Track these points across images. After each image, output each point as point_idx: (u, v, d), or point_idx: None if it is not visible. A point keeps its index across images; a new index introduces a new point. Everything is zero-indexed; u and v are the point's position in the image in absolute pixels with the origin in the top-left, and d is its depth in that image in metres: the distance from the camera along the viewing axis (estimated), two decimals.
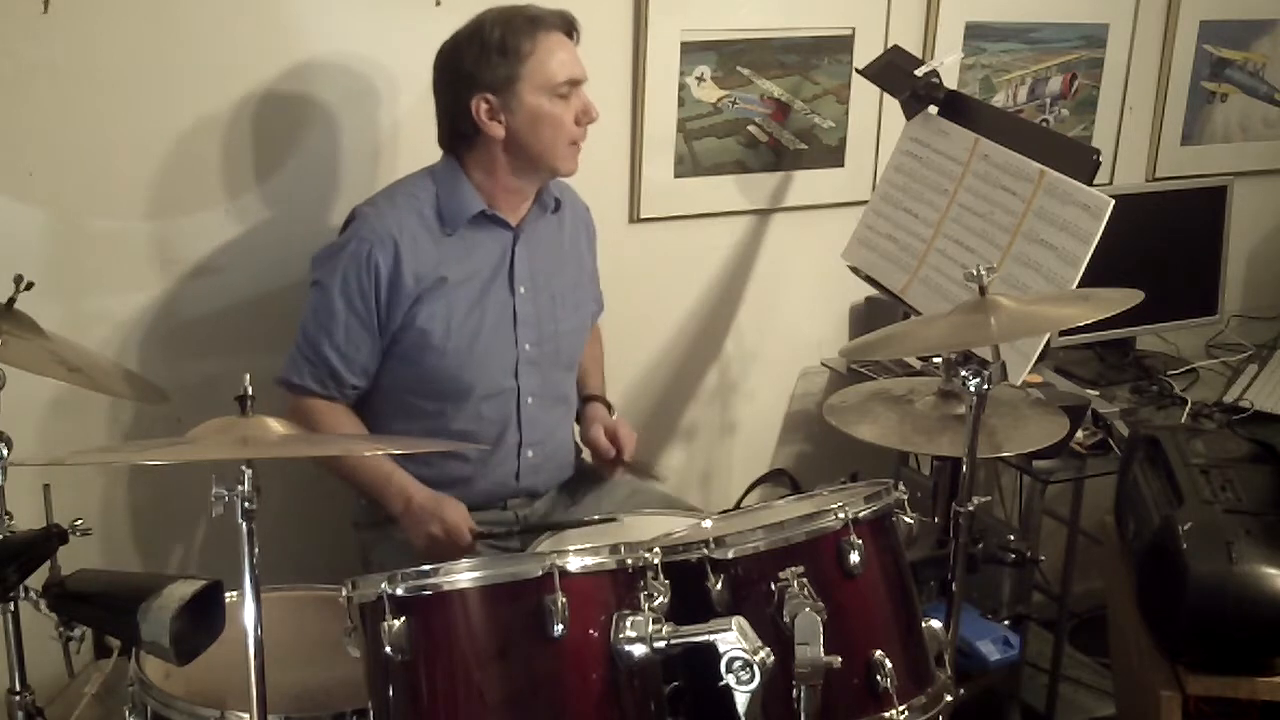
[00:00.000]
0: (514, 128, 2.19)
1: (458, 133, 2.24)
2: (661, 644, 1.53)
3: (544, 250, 2.34)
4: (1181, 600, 2.06)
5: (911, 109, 2.65)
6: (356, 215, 2.27)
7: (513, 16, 2.19)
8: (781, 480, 3.12)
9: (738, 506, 2.96)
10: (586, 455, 2.54)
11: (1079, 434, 2.54)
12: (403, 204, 2.24)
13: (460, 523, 2.18)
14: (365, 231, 2.21)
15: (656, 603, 1.57)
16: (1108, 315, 1.91)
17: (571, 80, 2.20)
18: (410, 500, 2.20)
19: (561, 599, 1.52)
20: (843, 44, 2.91)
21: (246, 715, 1.61)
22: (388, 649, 1.53)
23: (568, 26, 2.22)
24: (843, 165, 3.00)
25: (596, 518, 2.25)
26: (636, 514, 2.27)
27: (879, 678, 1.62)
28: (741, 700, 1.45)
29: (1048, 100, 3.20)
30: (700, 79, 2.78)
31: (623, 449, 2.40)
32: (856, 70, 2.85)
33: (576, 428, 2.51)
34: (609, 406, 2.51)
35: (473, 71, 2.17)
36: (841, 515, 1.66)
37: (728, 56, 2.79)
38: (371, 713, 1.61)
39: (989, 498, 2.19)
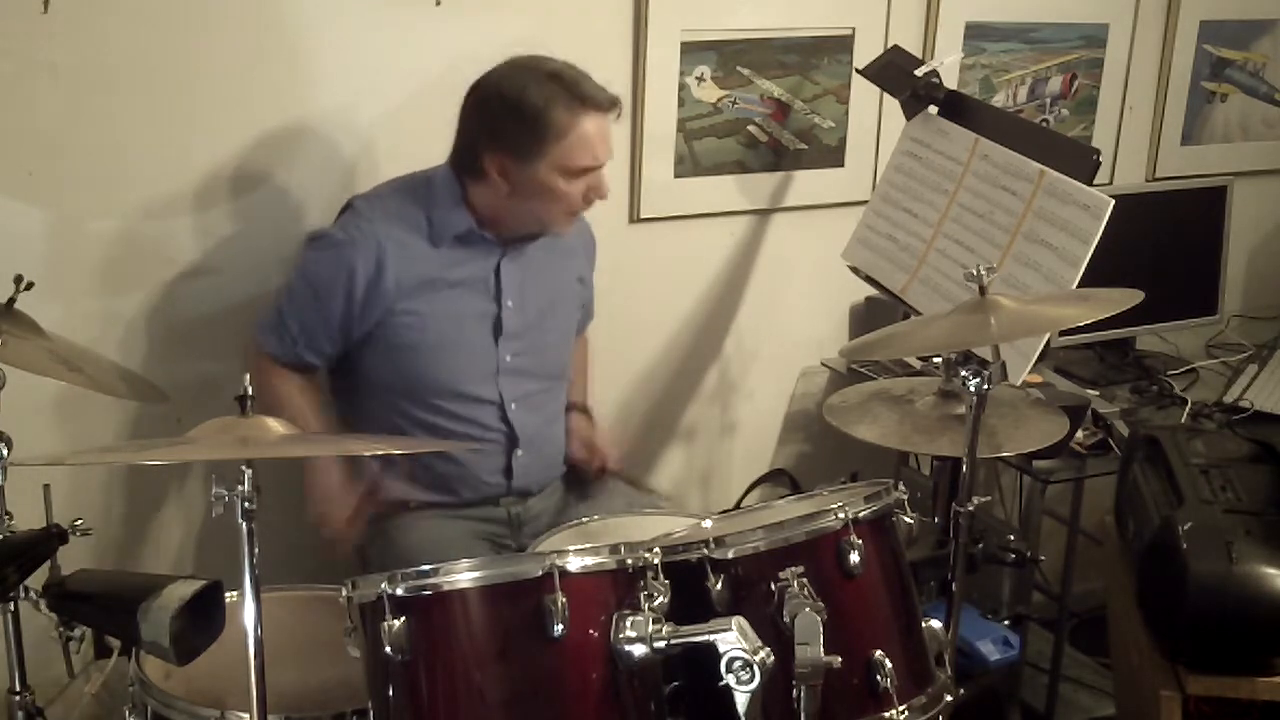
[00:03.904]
0: (520, 191, 2.18)
1: (466, 165, 2.23)
2: (661, 644, 1.53)
3: (534, 264, 2.34)
4: (1181, 600, 2.06)
5: (911, 109, 2.65)
6: (352, 207, 2.28)
7: (561, 88, 2.12)
8: (781, 480, 3.12)
9: (738, 506, 2.96)
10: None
11: (1079, 434, 2.54)
12: (395, 209, 2.25)
13: (335, 512, 2.20)
14: (353, 232, 2.22)
15: (656, 603, 1.57)
16: (1108, 315, 1.91)
17: (592, 166, 2.17)
18: (328, 475, 2.22)
19: (561, 599, 1.52)
20: (843, 44, 2.91)
21: (246, 715, 1.61)
22: (388, 649, 1.53)
23: (611, 105, 2.17)
24: (843, 165, 3.00)
25: (570, 522, 2.25)
26: (614, 516, 2.27)
27: (879, 678, 1.62)
28: (741, 700, 1.45)
29: (1048, 100, 3.20)
30: (700, 79, 2.78)
31: (605, 459, 2.41)
32: (856, 70, 2.85)
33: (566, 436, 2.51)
34: (588, 415, 2.51)
35: (500, 129, 2.14)
36: (841, 515, 1.66)
37: (728, 56, 2.79)
38: (371, 713, 1.61)
39: (989, 498, 2.19)
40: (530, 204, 2.20)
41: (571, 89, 2.13)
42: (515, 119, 2.12)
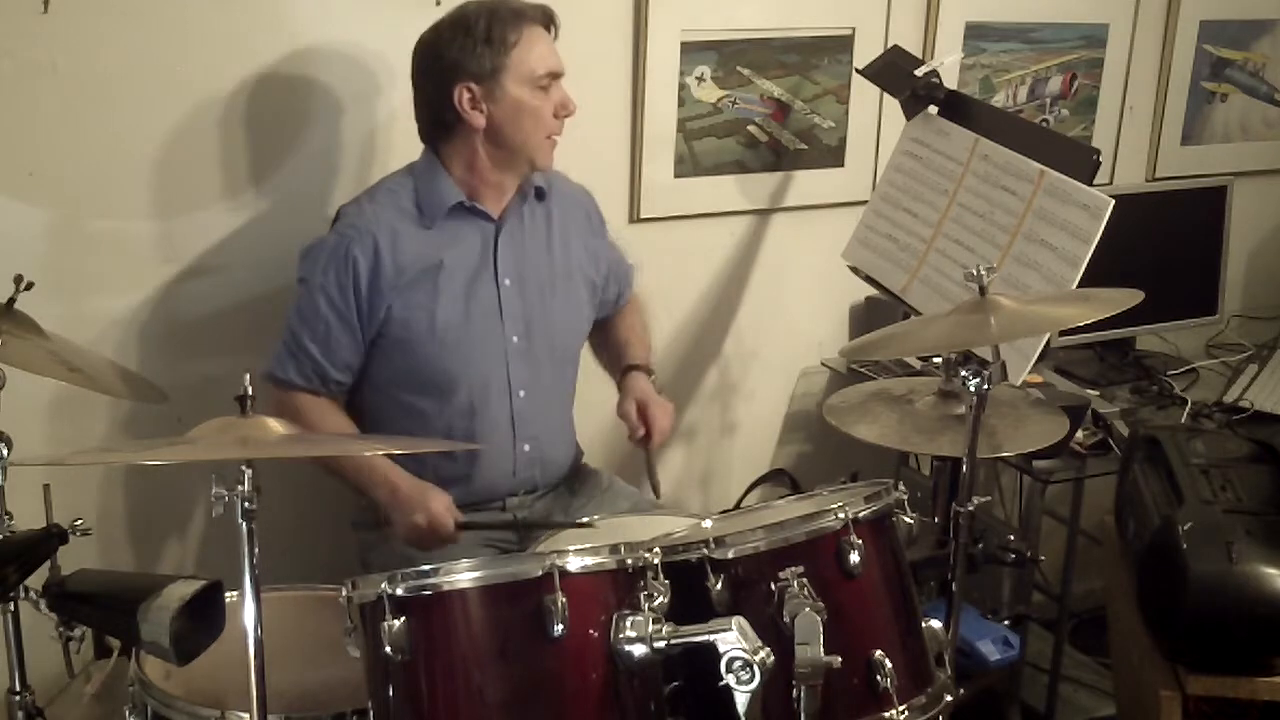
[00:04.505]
0: (495, 118, 2.20)
1: (438, 122, 2.25)
2: (661, 644, 1.53)
3: (530, 242, 2.34)
4: (1181, 600, 2.06)
5: (911, 109, 2.65)
6: (341, 213, 2.30)
7: (496, 8, 2.20)
8: (781, 480, 3.12)
9: (738, 506, 2.96)
10: (587, 458, 2.54)
11: (1079, 434, 2.54)
12: (383, 200, 2.26)
13: (444, 512, 2.17)
14: (345, 228, 2.24)
15: (656, 603, 1.57)
16: (1108, 315, 1.91)
17: (552, 73, 2.22)
18: (396, 489, 2.20)
19: (561, 599, 1.52)
20: (843, 44, 2.91)
21: (246, 715, 1.61)
22: (388, 649, 1.53)
23: (547, 20, 2.24)
24: (843, 165, 3.00)
25: (578, 520, 2.24)
26: (614, 516, 2.27)
27: (879, 678, 1.62)
28: (741, 700, 1.45)
29: (1048, 100, 3.20)
30: (700, 79, 2.78)
31: (652, 429, 2.37)
32: (856, 70, 2.85)
33: (574, 428, 2.51)
34: (650, 375, 2.47)
35: (457, 60, 2.18)
36: (841, 515, 1.65)
37: (728, 56, 2.79)
38: (371, 713, 1.61)
39: (989, 498, 2.19)
40: (508, 132, 2.21)
41: (506, 6, 2.21)
42: (468, 46, 2.17)
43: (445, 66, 2.19)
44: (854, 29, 2.91)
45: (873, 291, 2.79)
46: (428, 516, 2.16)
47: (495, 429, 2.31)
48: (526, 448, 2.35)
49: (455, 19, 2.21)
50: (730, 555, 1.63)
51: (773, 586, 1.60)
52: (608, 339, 2.54)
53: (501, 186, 2.30)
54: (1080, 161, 2.30)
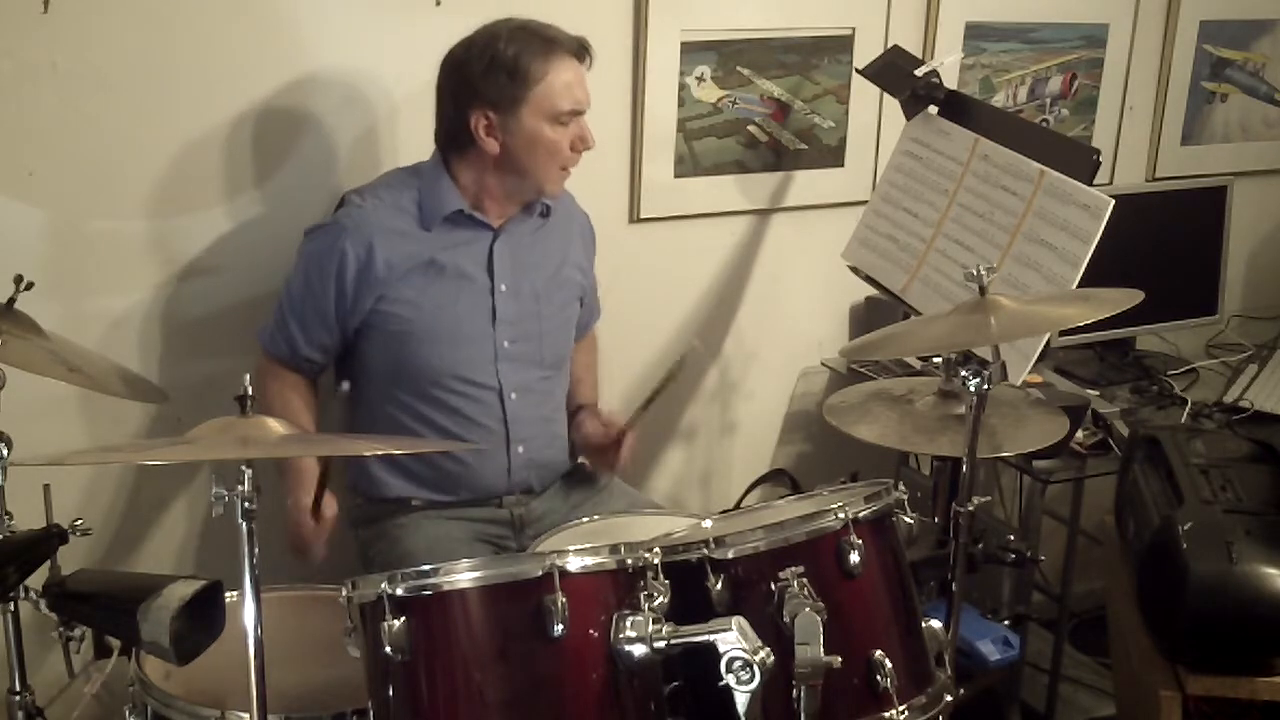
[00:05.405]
0: (509, 147, 2.20)
1: (453, 138, 2.25)
2: (661, 644, 1.53)
3: (527, 249, 2.34)
4: (1181, 600, 2.06)
5: (911, 109, 2.65)
6: (345, 201, 2.31)
7: (529, 35, 2.17)
8: (781, 480, 3.12)
9: (738, 506, 2.96)
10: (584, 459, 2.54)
11: (1079, 434, 2.54)
12: (385, 197, 2.27)
13: (298, 505, 2.13)
14: (344, 219, 2.25)
15: (656, 603, 1.57)
16: (1108, 315, 1.92)
17: (574, 110, 2.20)
18: (300, 469, 2.19)
19: (561, 599, 1.52)
20: (843, 44, 2.91)
21: (246, 715, 1.61)
22: (388, 649, 1.53)
23: (581, 52, 2.21)
24: (843, 165, 3.00)
25: (570, 522, 2.24)
26: (614, 516, 2.27)
27: (879, 678, 1.62)
28: (741, 700, 1.45)
29: (1048, 100, 3.20)
30: (700, 79, 2.78)
31: (620, 455, 2.40)
32: (856, 70, 2.85)
33: (569, 427, 2.51)
34: (599, 417, 2.51)
35: (478, 85, 2.16)
36: (841, 515, 1.66)
37: (728, 56, 2.79)
38: (371, 713, 1.61)
39: (989, 498, 2.19)
40: (521, 161, 2.21)
41: (540, 35, 2.18)
42: (492, 72, 2.15)
43: (466, 88, 2.18)
44: (854, 29, 2.91)
45: (873, 291, 2.79)
46: (294, 503, 2.15)
47: (488, 431, 2.32)
48: (520, 449, 2.35)
49: (487, 39, 2.17)
50: (730, 555, 1.63)
51: (773, 586, 1.60)
52: None
53: (506, 204, 2.31)
54: (1080, 161, 2.30)
